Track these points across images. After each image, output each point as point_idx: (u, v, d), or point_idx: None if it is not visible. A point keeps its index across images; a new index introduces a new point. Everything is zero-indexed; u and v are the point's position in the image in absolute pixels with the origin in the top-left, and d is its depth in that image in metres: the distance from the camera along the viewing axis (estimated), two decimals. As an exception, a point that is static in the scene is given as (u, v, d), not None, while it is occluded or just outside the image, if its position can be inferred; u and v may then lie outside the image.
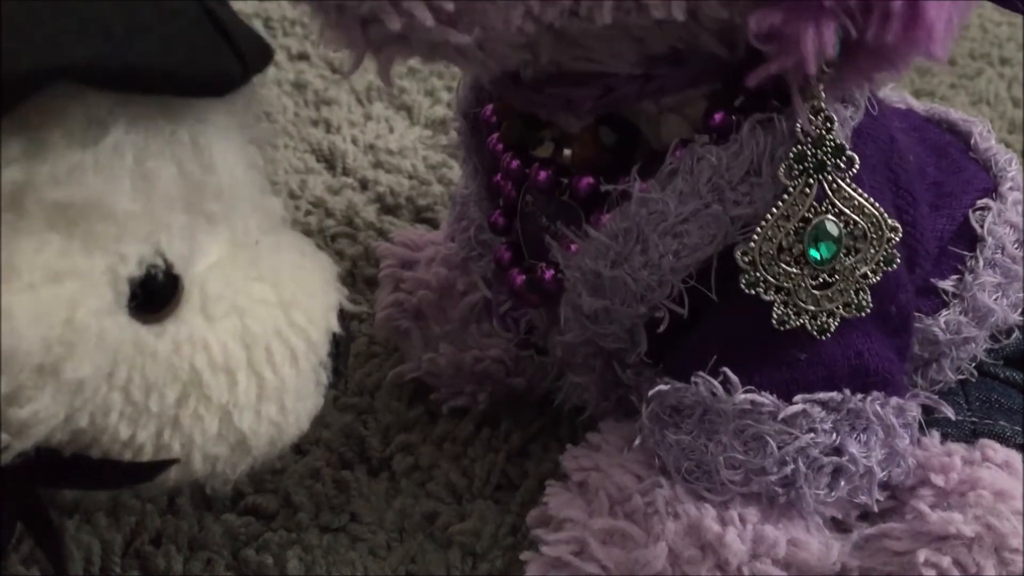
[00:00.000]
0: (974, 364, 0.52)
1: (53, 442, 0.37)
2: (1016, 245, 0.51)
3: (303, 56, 0.87)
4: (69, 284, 0.34)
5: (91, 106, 0.34)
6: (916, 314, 0.49)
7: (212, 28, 0.36)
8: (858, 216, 0.43)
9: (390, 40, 0.38)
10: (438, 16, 0.37)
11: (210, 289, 0.39)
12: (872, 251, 0.44)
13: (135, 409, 0.38)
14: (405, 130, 0.79)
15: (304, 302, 0.41)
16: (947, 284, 0.50)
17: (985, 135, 0.54)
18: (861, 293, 0.44)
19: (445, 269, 0.59)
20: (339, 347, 0.43)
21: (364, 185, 0.74)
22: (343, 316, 0.43)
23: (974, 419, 0.50)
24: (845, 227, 0.43)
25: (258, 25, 0.92)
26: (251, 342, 0.40)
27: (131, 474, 0.39)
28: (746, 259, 0.44)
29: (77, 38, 0.32)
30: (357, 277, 0.67)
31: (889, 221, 0.44)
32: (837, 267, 0.44)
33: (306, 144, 0.78)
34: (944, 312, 0.50)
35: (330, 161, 0.76)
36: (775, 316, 0.44)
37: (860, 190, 0.43)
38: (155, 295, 0.37)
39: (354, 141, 0.78)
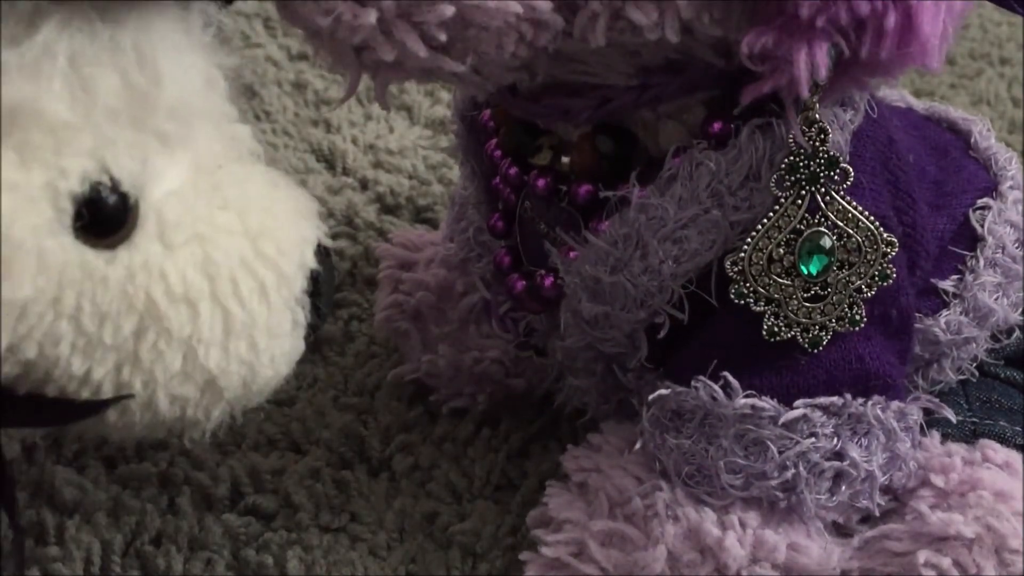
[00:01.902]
0: (975, 364, 0.51)
1: (3, 378, 0.35)
2: (1016, 244, 0.51)
3: (303, 56, 0.87)
4: (3, 198, 0.32)
5: (17, 2, 0.32)
6: (916, 315, 0.48)
7: None
8: (852, 229, 0.43)
9: (384, 66, 0.38)
10: (431, 45, 0.38)
11: (168, 215, 0.36)
12: (866, 265, 0.44)
13: (88, 341, 0.36)
14: (405, 130, 0.79)
15: (274, 233, 0.39)
16: (947, 284, 0.50)
17: (985, 134, 0.54)
18: (855, 307, 0.44)
19: (444, 270, 0.59)
20: (318, 284, 0.40)
21: (364, 185, 0.74)
22: (323, 252, 0.41)
23: (974, 419, 0.50)
24: (839, 240, 0.43)
25: (258, 25, 0.91)
26: (214, 272, 0.37)
27: (85, 408, 0.37)
28: (736, 269, 0.44)
29: None
30: (357, 277, 0.67)
31: (885, 235, 0.44)
32: (830, 280, 0.44)
33: (306, 144, 0.78)
34: (945, 312, 0.50)
35: (330, 161, 0.76)
36: (765, 328, 0.44)
37: (855, 203, 0.43)
38: (103, 217, 0.35)
39: (354, 141, 0.78)
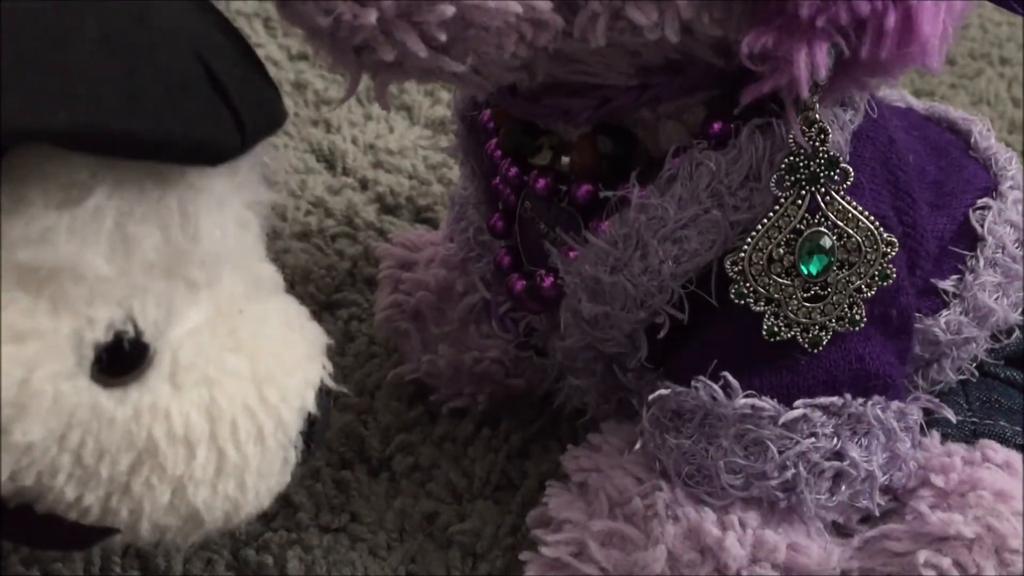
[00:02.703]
0: (975, 364, 0.51)
1: None
2: (1016, 244, 0.51)
3: (303, 56, 0.87)
4: (30, 345, 0.33)
5: (74, 167, 0.33)
6: (916, 315, 0.48)
7: (213, 94, 0.34)
8: (852, 230, 0.43)
9: (384, 66, 0.38)
10: (431, 45, 0.38)
11: (182, 357, 0.37)
12: (867, 265, 0.44)
13: (84, 472, 0.36)
14: (405, 130, 0.79)
15: (280, 378, 0.40)
16: (947, 284, 0.50)
17: (985, 134, 0.54)
18: (855, 307, 0.44)
19: (444, 270, 0.59)
20: (313, 426, 0.41)
21: (364, 185, 0.74)
22: (324, 393, 0.42)
23: (974, 419, 0.50)
24: (839, 240, 0.43)
25: (258, 25, 0.91)
26: (217, 415, 0.38)
27: (71, 538, 0.38)
28: (736, 269, 0.44)
29: (63, 99, 0.31)
30: (357, 277, 0.67)
31: (885, 235, 0.44)
32: (830, 280, 0.44)
33: (306, 144, 0.78)
34: (945, 312, 0.50)
35: (330, 161, 0.76)
36: (765, 328, 0.44)
37: (855, 203, 0.43)
38: (121, 360, 0.36)
39: (354, 141, 0.78)
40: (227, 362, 0.38)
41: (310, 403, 0.41)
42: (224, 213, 0.37)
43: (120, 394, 0.36)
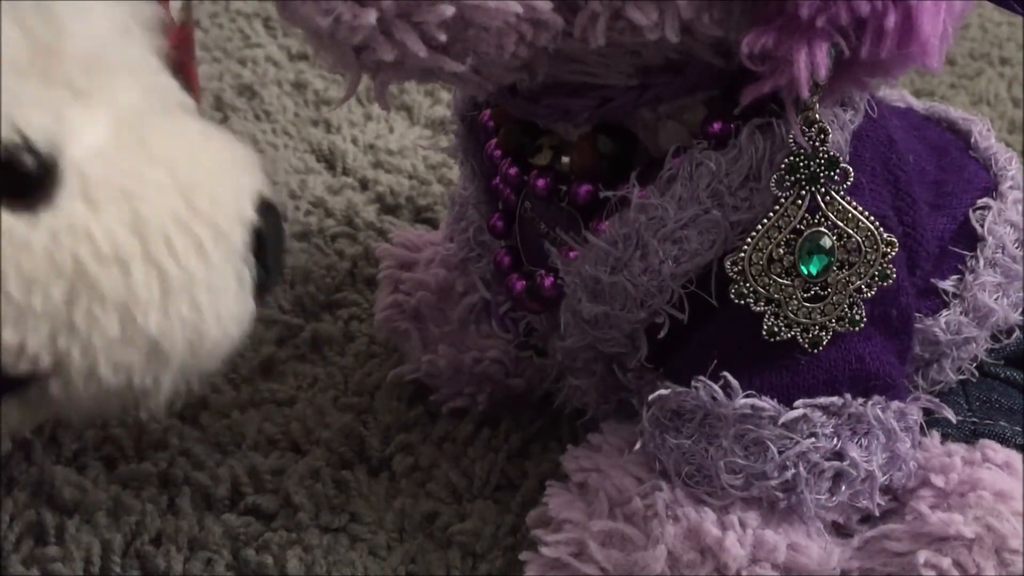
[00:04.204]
0: (975, 364, 0.51)
1: None
2: (1016, 244, 0.51)
3: (303, 56, 0.87)
4: None
5: None
6: (916, 315, 0.48)
7: None
8: (852, 230, 0.43)
9: (384, 66, 0.38)
10: (431, 45, 0.38)
11: (91, 173, 0.35)
12: (866, 265, 0.44)
13: (17, 310, 0.34)
14: (405, 130, 0.79)
15: (207, 186, 0.37)
16: (947, 284, 0.50)
17: (985, 134, 0.54)
18: (855, 307, 0.44)
19: (444, 270, 0.59)
20: (262, 240, 0.39)
21: (364, 185, 0.74)
22: (265, 207, 0.39)
23: (974, 419, 0.50)
24: (838, 240, 0.43)
25: (258, 25, 0.91)
26: (145, 231, 0.36)
27: (14, 384, 0.36)
28: (736, 269, 0.44)
29: None
30: (357, 277, 0.67)
31: (885, 235, 0.44)
32: (830, 280, 0.44)
33: (306, 144, 0.78)
34: (945, 312, 0.49)
35: (330, 161, 0.76)
36: (765, 328, 0.44)
37: (855, 203, 0.43)
38: (20, 177, 0.33)
39: (354, 141, 0.78)
40: (144, 174, 0.36)
41: (249, 213, 0.38)
42: (91, 11, 0.35)
43: (30, 218, 0.34)
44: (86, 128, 0.35)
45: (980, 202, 0.51)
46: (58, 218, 0.34)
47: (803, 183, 0.43)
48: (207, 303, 0.37)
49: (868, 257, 0.44)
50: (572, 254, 0.46)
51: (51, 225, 0.34)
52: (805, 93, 0.38)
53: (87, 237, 0.35)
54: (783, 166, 0.43)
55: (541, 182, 0.47)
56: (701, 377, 0.45)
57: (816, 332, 0.44)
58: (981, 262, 0.50)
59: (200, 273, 0.37)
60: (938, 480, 0.47)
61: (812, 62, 0.37)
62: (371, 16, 0.37)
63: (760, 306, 0.44)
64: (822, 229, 0.43)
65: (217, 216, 0.37)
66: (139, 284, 0.36)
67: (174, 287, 0.36)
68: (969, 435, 0.50)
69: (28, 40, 0.33)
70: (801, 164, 0.43)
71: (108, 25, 0.36)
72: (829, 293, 0.44)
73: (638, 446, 0.48)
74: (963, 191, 0.51)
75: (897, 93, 0.57)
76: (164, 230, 0.36)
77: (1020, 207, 0.52)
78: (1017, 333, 0.52)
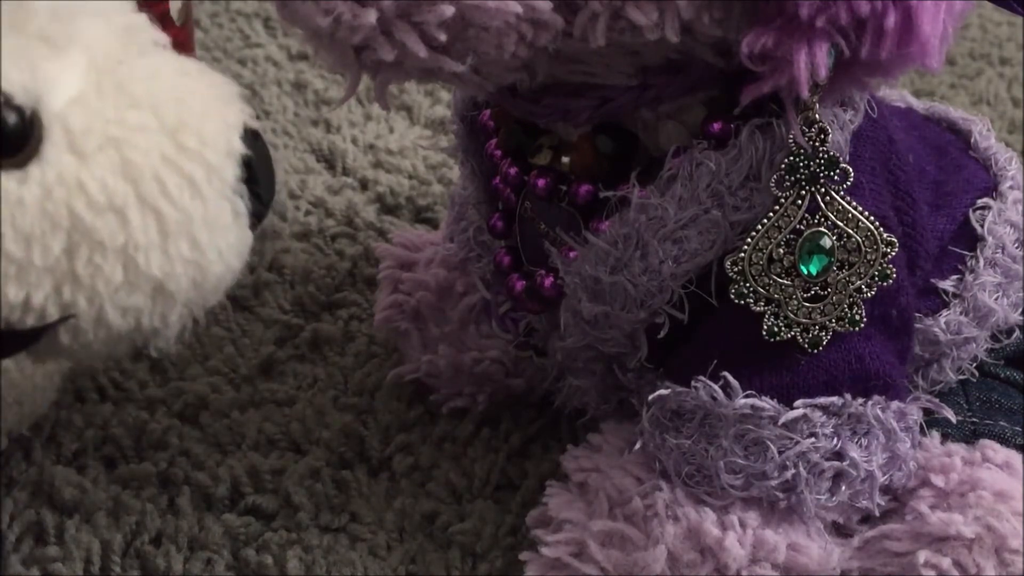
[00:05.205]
0: (975, 364, 0.51)
1: None
2: (1016, 244, 0.51)
3: (303, 56, 0.87)
4: None
5: None
6: (916, 315, 0.48)
7: None
8: (852, 230, 0.43)
9: (384, 66, 0.38)
10: (431, 45, 0.38)
11: (74, 123, 0.35)
12: (866, 265, 0.44)
13: (18, 267, 0.34)
14: (405, 130, 0.79)
15: (193, 124, 0.37)
16: (947, 284, 0.50)
17: (985, 134, 0.54)
18: (855, 308, 0.44)
19: (444, 270, 0.59)
20: (252, 169, 0.39)
21: (364, 185, 0.74)
22: (251, 136, 0.39)
23: (974, 419, 0.50)
24: (838, 240, 0.43)
25: (258, 25, 0.91)
26: (136, 175, 0.36)
27: (25, 336, 0.36)
28: (735, 269, 0.44)
29: None
30: (357, 277, 0.67)
31: (885, 235, 0.44)
32: (830, 280, 0.44)
33: (306, 144, 0.78)
34: (944, 312, 0.50)
35: (330, 161, 0.76)
36: (765, 328, 0.44)
37: (855, 203, 0.43)
38: (4, 136, 0.33)
39: (354, 141, 0.78)
40: (128, 119, 0.36)
41: (237, 145, 0.38)
42: None
43: (20, 175, 0.34)
44: (64, 78, 0.35)
45: (980, 202, 0.51)
46: (47, 172, 0.35)
47: (803, 183, 0.43)
48: (206, 239, 0.37)
49: (868, 257, 0.44)
50: (572, 254, 0.46)
51: (41, 180, 0.34)
52: (805, 93, 0.38)
53: (79, 188, 0.35)
54: (783, 166, 0.43)
55: (541, 182, 0.47)
56: (701, 377, 0.45)
57: (816, 332, 0.44)
58: (981, 262, 0.50)
59: (196, 211, 0.37)
60: (938, 480, 0.47)
61: (812, 62, 0.37)
62: (371, 16, 0.37)
63: (760, 306, 0.44)
64: (822, 229, 0.43)
65: (206, 152, 0.37)
66: (137, 229, 0.36)
67: (172, 228, 0.36)
68: (969, 435, 0.50)
69: None
70: (801, 164, 0.43)
71: None
72: (829, 293, 0.44)
73: (638, 446, 0.48)
74: (963, 191, 0.51)
75: (897, 93, 0.57)
76: (155, 172, 0.36)
77: (1020, 207, 0.52)
78: (1017, 333, 0.52)
